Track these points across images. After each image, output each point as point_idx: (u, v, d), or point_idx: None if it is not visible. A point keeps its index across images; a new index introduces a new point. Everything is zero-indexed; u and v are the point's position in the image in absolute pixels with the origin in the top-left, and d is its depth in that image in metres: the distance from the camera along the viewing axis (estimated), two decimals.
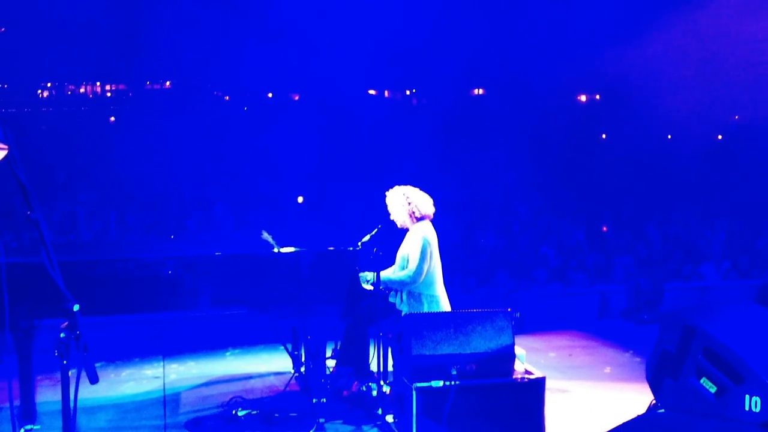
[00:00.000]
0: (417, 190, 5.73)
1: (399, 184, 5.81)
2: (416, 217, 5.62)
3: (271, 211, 12.61)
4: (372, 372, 5.59)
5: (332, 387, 5.66)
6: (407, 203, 5.62)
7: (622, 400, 5.74)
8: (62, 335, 2.67)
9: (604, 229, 12.18)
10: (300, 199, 13.47)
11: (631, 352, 7.45)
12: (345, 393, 5.70)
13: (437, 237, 5.69)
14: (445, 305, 5.64)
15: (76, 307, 2.68)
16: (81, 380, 2.69)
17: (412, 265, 5.50)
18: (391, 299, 5.68)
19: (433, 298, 5.58)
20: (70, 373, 2.71)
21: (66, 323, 2.68)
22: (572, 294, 9.49)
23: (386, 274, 5.62)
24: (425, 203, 5.68)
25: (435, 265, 5.59)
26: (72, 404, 2.73)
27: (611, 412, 5.27)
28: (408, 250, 5.61)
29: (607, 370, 6.85)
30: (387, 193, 5.74)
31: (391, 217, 5.68)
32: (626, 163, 17.41)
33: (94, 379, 2.75)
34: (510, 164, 17.56)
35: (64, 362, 2.68)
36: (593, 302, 9.43)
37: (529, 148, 18.09)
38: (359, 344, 5.74)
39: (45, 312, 4.92)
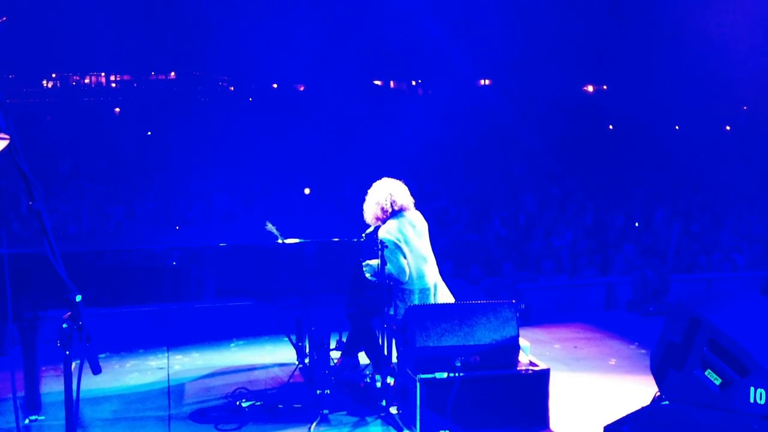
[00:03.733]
0: (388, 186, 5.50)
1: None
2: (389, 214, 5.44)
3: (276, 202, 12.60)
4: (389, 362, 5.39)
5: (336, 378, 5.64)
6: (387, 202, 5.42)
7: (626, 391, 5.73)
8: (64, 326, 2.66)
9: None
10: (307, 191, 13.45)
11: (637, 344, 7.43)
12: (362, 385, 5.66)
13: (428, 226, 5.58)
14: (442, 296, 5.53)
15: (78, 298, 2.67)
16: (85, 371, 2.68)
17: (392, 267, 5.31)
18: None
19: (425, 291, 5.42)
20: (73, 364, 2.71)
21: (68, 314, 2.68)
22: (578, 285, 9.43)
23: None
24: (402, 196, 5.49)
25: (416, 258, 5.41)
26: (75, 395, 2.73)
27: (616, 404, 5.25)
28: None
29: (612, 361, 6.83)
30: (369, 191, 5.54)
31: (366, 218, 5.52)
32: (633, 154, 17.36)
33: (96, 370, 2.75)
34: (516, 155, 17.52)
35: (67, 353, 2.68)
36: (599, 294, 9.38)
37: (535, 138, 18.05)
38: (367, 336, 5.70)
39: (50, 303, 4.92)
